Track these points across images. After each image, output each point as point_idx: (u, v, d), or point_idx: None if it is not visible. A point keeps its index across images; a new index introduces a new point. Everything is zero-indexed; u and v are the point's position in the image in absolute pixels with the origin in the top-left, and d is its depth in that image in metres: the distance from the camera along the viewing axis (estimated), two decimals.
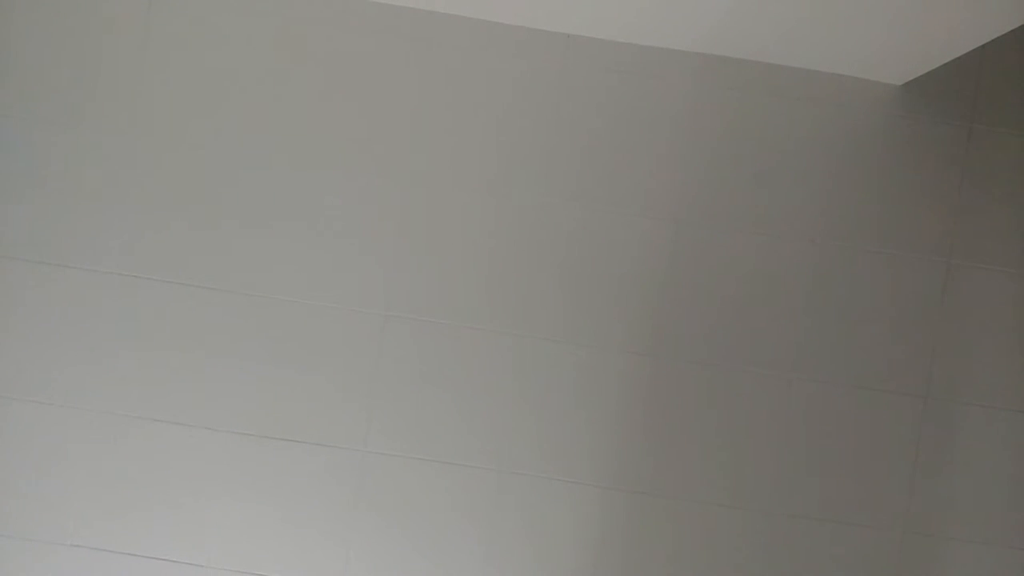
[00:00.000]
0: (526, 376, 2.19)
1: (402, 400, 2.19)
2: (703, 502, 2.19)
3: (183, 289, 2.18)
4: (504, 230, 2.20)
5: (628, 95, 2.20)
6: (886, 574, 2.18)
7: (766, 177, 2.20)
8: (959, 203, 2.20)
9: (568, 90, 2.20)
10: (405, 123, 2.20)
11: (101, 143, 2.18)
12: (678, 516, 2.18)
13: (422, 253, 2.19)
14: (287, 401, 2.18)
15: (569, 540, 2.19)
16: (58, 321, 2.18)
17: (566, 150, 2.20)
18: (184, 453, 2.18)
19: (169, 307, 2.18)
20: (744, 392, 2.19)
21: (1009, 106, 2.20)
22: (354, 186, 2.19)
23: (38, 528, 2.18)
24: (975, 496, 2.19)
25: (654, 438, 2.19)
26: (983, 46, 2.19)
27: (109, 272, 2.18)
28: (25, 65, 2.18)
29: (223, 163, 2.19)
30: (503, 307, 2.19)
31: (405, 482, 2.19)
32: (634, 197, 2.20)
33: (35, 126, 2.18)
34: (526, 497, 2.19)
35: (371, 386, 2.19)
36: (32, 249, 2.18)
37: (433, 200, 2.20)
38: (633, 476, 2.19)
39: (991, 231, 2.20)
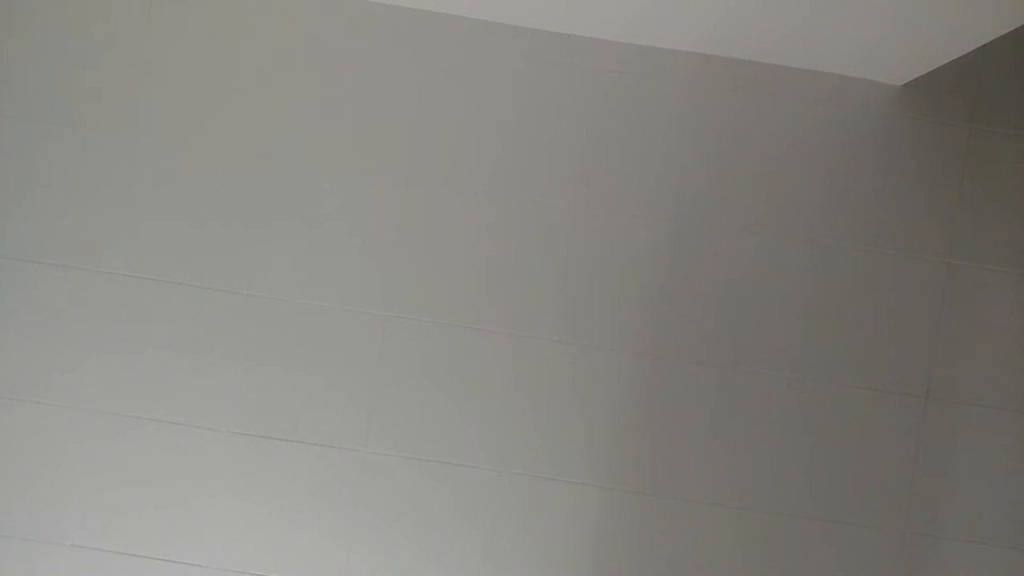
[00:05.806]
0: (526, 376, 2.19)
1: (402, 400, 2.19)
2: (703, 502, 2.19)
3: (183, 289, 2.18)
4: (504, 230, 2.20)
5: (628, 95, 2.20)
6: (886, 574, 2.18)
7: (766, 177, 2.20)
8: (959, 203, 2.20)
9: (568, 90, 2.20)
10: (405, 123, 2.20)
11: (101, 143, 2.18)
12: (678, 516, 2.18)
13: (422, 253, 2.19)
14: (287, 401, 2.18)
15: (569, 540, 2.19)
16: (58, 321, 2.18)
17: (566, 150, 2.20)
18: (184, 453, 2.18)
19: (169, 307, 2.18)
20: (744, 392, 2.19)
21: (1009, 106, 2.20)
22: (354, 186, 2.19)
23: (38, 528, 2.18)
24: (975, 496, 2.19)
25: (654, 438, 2.19)
26: (983, 46, 2.19)
27: (109, 272, 2.18)
28: (25, 65, 2.18)
29: (223, 163, 2.19)
30: (503, 307, 2.19)
31: (405, 482, 2.19)
32: (634, 197, 2.20)
33: (35, 126, 2.18)
34: (526, 497, 2.19)
35: (371, 386, 2.19)
36: (32, 249, 2.18)
37: (433, 200, 2.20)
38: (633, 476, 2.19)
39: (991, 231, 2.20)
